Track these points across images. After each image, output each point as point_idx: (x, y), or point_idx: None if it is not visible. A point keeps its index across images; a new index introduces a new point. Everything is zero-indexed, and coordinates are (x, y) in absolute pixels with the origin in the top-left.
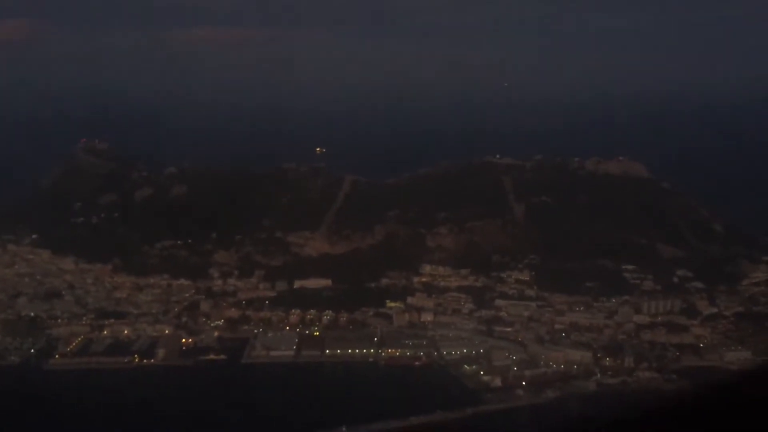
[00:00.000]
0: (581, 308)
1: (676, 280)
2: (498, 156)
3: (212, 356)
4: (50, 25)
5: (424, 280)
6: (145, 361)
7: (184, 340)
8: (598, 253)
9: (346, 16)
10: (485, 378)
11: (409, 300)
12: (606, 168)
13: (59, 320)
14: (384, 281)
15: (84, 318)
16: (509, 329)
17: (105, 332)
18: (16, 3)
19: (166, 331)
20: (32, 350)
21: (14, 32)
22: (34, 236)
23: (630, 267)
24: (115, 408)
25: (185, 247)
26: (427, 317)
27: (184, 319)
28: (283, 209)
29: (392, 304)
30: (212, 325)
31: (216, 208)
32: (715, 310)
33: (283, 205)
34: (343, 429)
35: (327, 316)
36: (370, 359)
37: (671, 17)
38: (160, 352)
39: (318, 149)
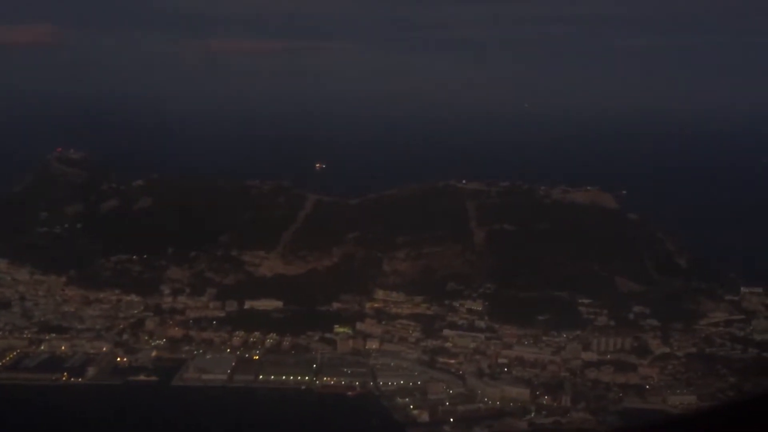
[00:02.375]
0: (530, 342)
1: (631, 316)
2: (464, 181)
3: (143, 377)
4: (72, 31)
5: (376, 305)
6: (72, 379)
7: (119, 359)
8: (555, 285)
9: (348, 30)
10: (414, 412)
11: (359, 326)
12: (572, 197)
13: (0, 333)
14: (336, 305)
15: (26, 331)
16: (452, 361)
17: (42, 347)
18: (41, 8)
19: (104, 349)
20: None
21: (38, 37)
22: None
23: (586, 300)
24: (19, 429)
25: (140, 262)
26: (373, 344)
27: (125, 336)
28: (242, 227)
29: (340, 329)
30: (152, 344)
31: (176, 222)
32: (667, 349)
33: (242, 223)
34: None
35: (270, 339)
36: (303, 387)
37: (677, 39)
38: (90, 371)
39: (318, 164)
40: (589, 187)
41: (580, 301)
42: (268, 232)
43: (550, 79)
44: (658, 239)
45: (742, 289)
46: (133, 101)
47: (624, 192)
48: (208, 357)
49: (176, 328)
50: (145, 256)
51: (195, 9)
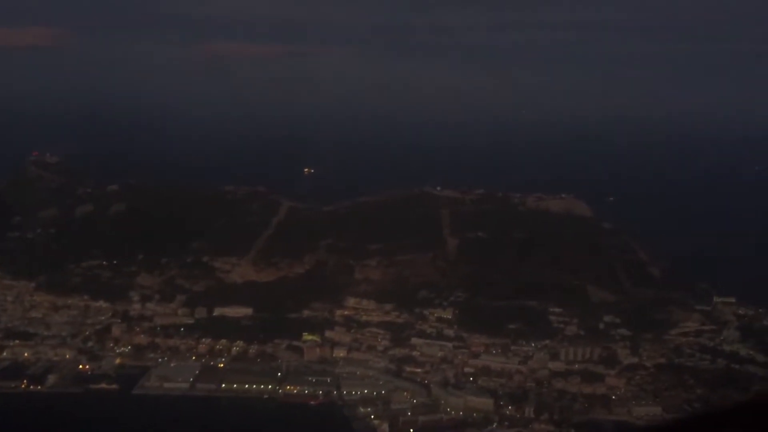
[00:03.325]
0: (498, 351)
1: (601, 325)
2: (439, 188)
3: (104, 385)
4: (72, 33)
5: (346, 313)
6: (32, 387)
7: (81, 366)
8: (526, 293)
9: (348, 35)
10: (375, 422)
11: (327, 333)
12: (547, 205)
13: None
14: (306, 312)
15: None
16: (419, 370)
17: (5, 354)
18: (40, 10)
19: (67, 356)
20: None
21: (36, 39)
22: None
23: (557, 310)
24: None
25: (110, 268)
26: (340, 353)
27: (90, 343)
28: (215, 233)
29: (309, 337)
30: (117, 351)
31: (149, 228)
32: (636, 360)
33: (214, 229)
34: None
35: (237, 347)
36: (266, 395)
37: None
38: (51, 378)
39: (306, 169)
40: (563, 195)
41: (550, 310)
42: (240, 238)
43: (549, 86)
44: (631, 248)
45: (715, 299)
46: (127, 104)
47: (611, 198)
48: (172, 365)
49: (142, 336)
50: (115, 262)
51: (194, 12)
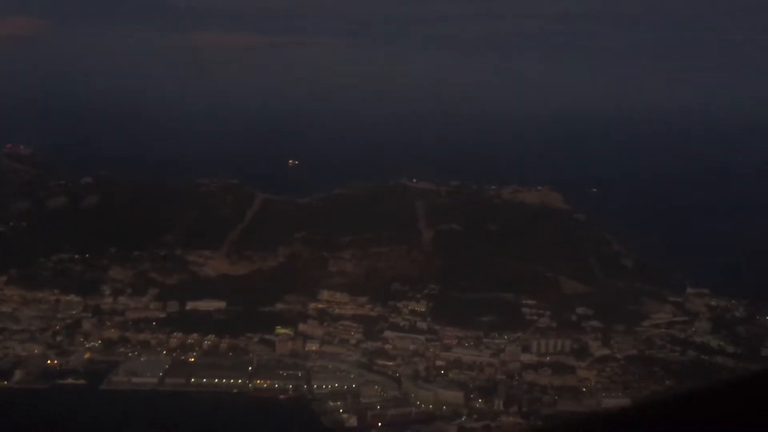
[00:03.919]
0: (470, 344)
1: (574, 317)
2: (414, 180)
3: (71, 380)
4: (54, 23)
5: (320, 306)
6: None
7: (49, 362)
8: (500, 286)
9: (338, 25)
10: (343, 416)
11: (301, 327)
12: (522, 197)
13: None
14: (279, 306)
15: None
16: (390, 363)
17: None
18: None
19: (36, 351)
20: None
21: (18, 29)
22: None
23: (530, 302)
24: None
25: (82, 261)
26: (312, 346)
27: (59, 338)
28: (188, 226)
29: (281, 331)
30: (87, 346)
31: (121, 220)
32: (607, 351)
33: (188, 222)
34: None
35: (208, 341)
36: (235, 390)
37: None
38: (18, 374)
39: (291, 161)
40: (539, 187)
41: (524, 302)
42: (213, 231)
43: (544, 76)
44: (605, 240)
45: (689, 290)
46: (107, 96)
47: (595, 190)
48: (141, 359)
49: (112, 330)
50: (87, 256)
51: (181, 2)
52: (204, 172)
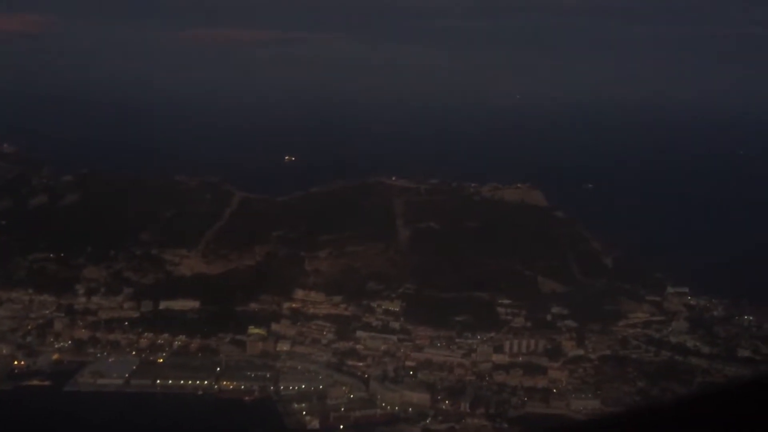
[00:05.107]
0: (442, 344)
1: (549, 317)
2: (393, 177)
3: (36, 381)
4: (55, 20)
5: (294, 305)
6: None
7: (16, 362)
8: (476, 285)
9: (337, 20)
10: (307, 418)
11: (274, 327)
12: (502, 194)
13: None
14: (253, 305)
15: None
16: (361, 364)
17: None
18: None
19: (4, 351)
20: None
21: (20, 26)
22: None
23: (506, 301)
24: None
25: (57, 260)
26: (284, 347)
27: (29, 338)
28: (165, 224)
29: (254, 331)
30: (57, 346)
31: (100, 219)
32: (581, 352)
33: (165, 220)
34: None
35: (179, 341)
36: (200, 391)
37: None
38: None
39: (287, 157)
40: (519, 185)
41: (499, 301)
42: (190, 229)
43: (546, 69)
44: (585, 238)
45: (669, 289)
46: (102, 92)
47: (590, 186)
48: (110, 360)
49: (83, 330)
50: (63, 255)
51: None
52: (195, 168)
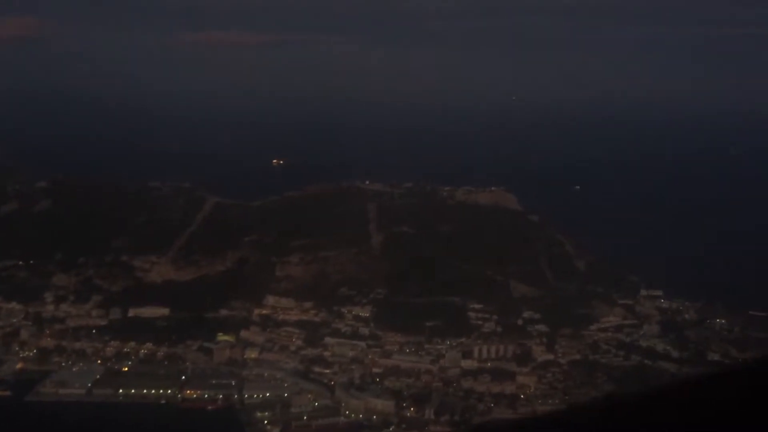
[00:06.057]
0: (411, 350)
1: (520, 322)
2: (367, 181)
3: None
4: (52, 23)
5: (265, 312)
6: None
7: None
8: (448, 289)
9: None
10: (269, 427)
11: (243, 334)
12: (476, 198)
13: None
14: (223, 312)
15: None
16: (327, 371)
17: None
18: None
19: None
20: None
21: (18, 30)
22: None
23: (477, 306)
24: None
25: (26, 268)
26: (252, 354)
27: None
28: (136, 230)
29: (223, 338)
30: (21, 355)
31: (71, 225)
32: (551, 356)
33: (136, 226)
34: None
35: (145, 349)
36: (163, 401)
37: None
38: None
39: (275, 161)
40: (493, 188)
41: (471, 306)
42: (162, 235)
43: (543, 71)
44: (558, 241)
45: (642, 292)
46: (98, 95)
47: (577, 187)
48: (74, 369)
49: (49, 338)
50: (32, 262)
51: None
52: (177, 173)
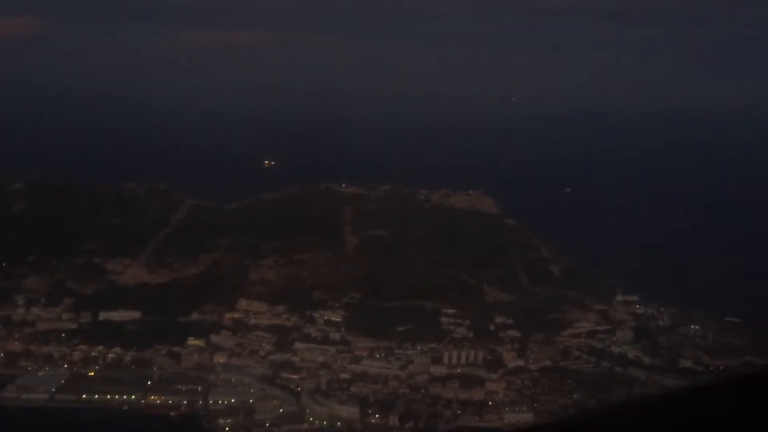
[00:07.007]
0: (381, 355)
1: (492, 327)
2: (344, 184)
3: None
4: (49, 22)
5: (236, 316)
6: None
7: None
8: (421, 294)
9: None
10: None
11: (213, 338)
12: (452, 201)
13: None
14: (195, 316)
15: None
16: (295, 376)
17: None
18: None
19: None
20: None
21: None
22: None
23: (450, 311)
24: None
25: None
26: (221, 359)
27: None
28: (110, 232)
29: (193, 342)
30: None
31: (46, 227)
32: (522, 363)
33: (110, 228)
34: None
35: (113, 353)
36: (126, 407)
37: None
38: None
39: (267, 162)
40: (471, 191)
41: (443, 311)
42: (135, 238)
43: (542, 72)
44: (534, 245)
45: (618, 297)
46: (91, 95)
47: (568, 190)
48: (39, 374)
49: (17, 342)
50: (4, 264)
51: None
52: (161, 175)
